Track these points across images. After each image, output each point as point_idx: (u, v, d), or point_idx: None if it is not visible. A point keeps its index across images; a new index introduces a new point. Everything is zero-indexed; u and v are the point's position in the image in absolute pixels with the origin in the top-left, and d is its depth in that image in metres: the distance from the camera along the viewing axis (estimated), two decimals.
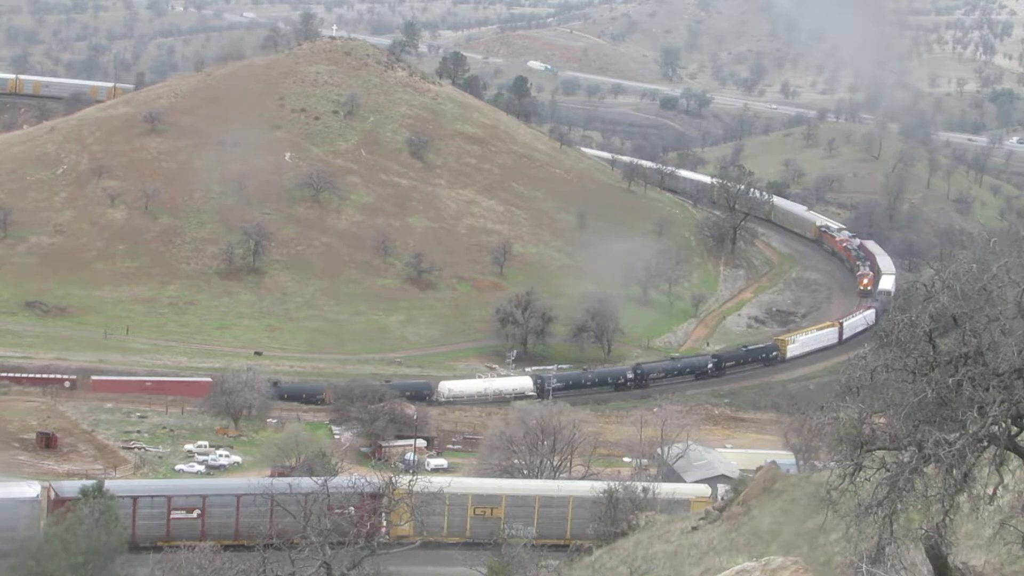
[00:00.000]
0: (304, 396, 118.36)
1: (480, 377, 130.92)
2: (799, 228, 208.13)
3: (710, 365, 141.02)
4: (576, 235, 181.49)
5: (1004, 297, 20.99)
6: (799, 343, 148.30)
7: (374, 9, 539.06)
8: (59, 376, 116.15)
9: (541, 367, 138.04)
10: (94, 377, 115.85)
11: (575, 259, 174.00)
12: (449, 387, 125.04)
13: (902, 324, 21.50)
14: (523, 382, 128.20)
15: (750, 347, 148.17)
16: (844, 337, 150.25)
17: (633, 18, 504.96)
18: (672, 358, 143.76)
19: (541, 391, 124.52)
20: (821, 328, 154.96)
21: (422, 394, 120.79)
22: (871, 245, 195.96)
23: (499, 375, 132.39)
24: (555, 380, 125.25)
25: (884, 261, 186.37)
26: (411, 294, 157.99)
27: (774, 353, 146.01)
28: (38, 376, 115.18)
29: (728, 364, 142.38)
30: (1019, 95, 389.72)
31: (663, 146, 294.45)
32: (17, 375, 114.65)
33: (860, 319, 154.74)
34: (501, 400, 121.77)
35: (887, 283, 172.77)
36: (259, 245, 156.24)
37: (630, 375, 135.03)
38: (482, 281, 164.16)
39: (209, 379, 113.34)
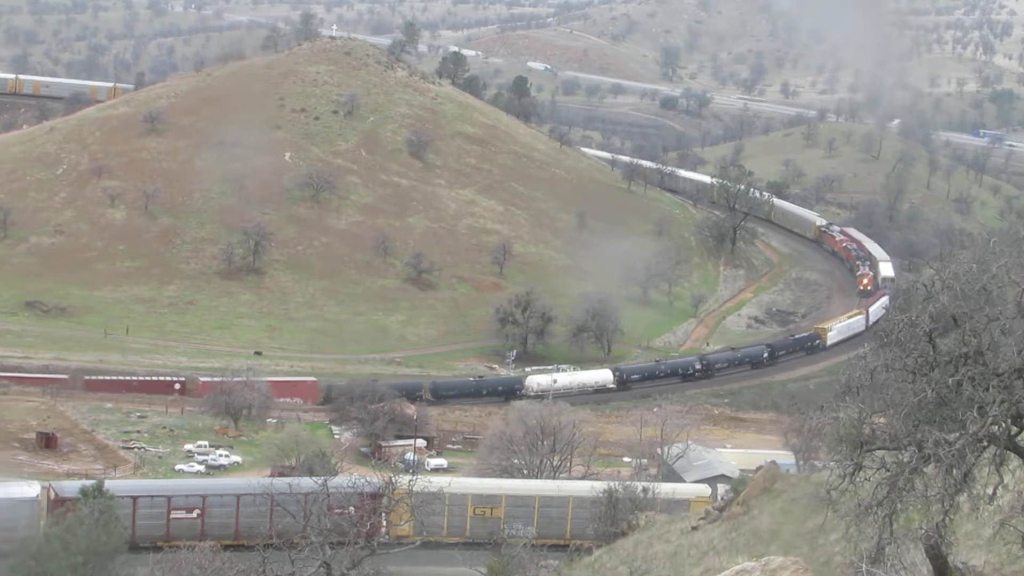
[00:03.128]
0: (404, 393, 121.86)
1: (564, 372, 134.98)
2: (798, 228, 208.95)
3: (765, 355, 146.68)
4: (576, 235, 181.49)
5: (1004, 297, 20.99)
6: (836, 330, 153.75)
7: (374, 9, 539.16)
8: (168, 379, 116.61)
9: (541, 367, 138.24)
10: (202, 379, 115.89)
11: (575, 259, 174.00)
12: (537, 381, 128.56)
13: (902, 324, 21.51)
14: (604, 375, 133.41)
15: (797, 336, 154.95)
16: (870, 323, 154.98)
17: (633, 18, 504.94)
18: (732, 349, 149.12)
19: (620, 382, 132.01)
20: (851, 316, 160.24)
21: (513, 389, 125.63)
22: (854, 232, 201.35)
23: (573, 371, 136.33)
24: (635, 373, 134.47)
25: (874, 248, 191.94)
26: (411, 294, 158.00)
27: (816, 341, 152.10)
28: (147, 379, 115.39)
29: (780, 353, 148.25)
30: (1019, 95, 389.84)
31: (663, 146, 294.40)
32: (129, 379, 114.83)
33: (879, 307, 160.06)
34: (584, 392, 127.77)
35: (886, 270, 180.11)
36: (259, 245, 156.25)
37: (698, 366, 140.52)
38: (482, 281, 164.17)
39: (314, 379, 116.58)
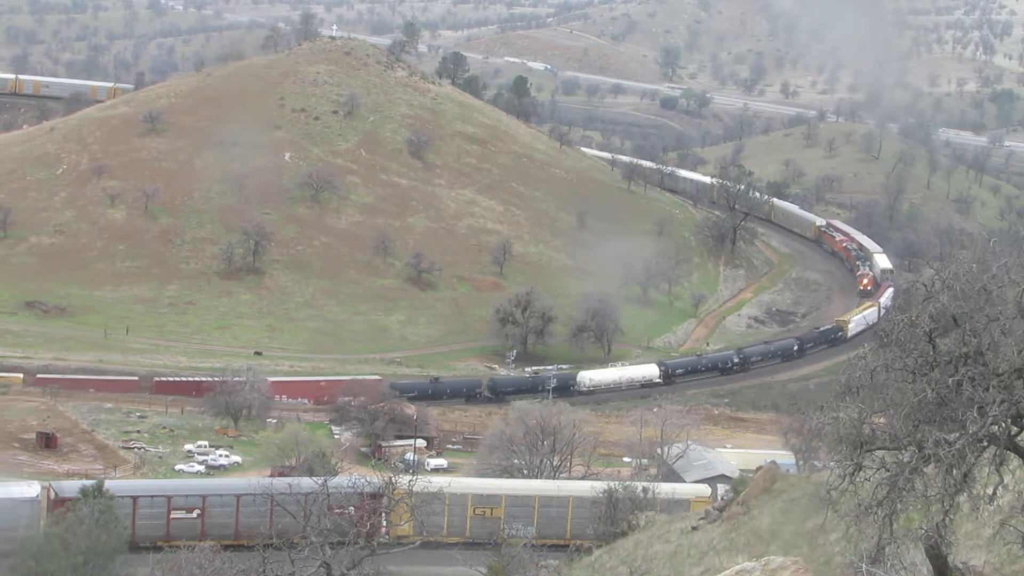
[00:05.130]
0: (465, 391, 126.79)
1: (614, 367, 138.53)
2: (798, 228, 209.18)
3: (795, 347, 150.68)
4: (576, 235, 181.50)
5: (1004, 297, 20.99)
6: (855, 322, 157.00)
7: (374, 9, 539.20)
8: (236, 379, 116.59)
9: (541, 367, 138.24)
10: (271, 379, 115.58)
11: (575, 259, 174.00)
12: (589, 376, 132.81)
13: (902, 324, 21.50)
14: (650, 369, 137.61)
15: (822, 329, 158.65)
16: (882, 314, 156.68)
17: (633, 18, 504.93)
18: (765, 342, 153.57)
19: (665, 377, 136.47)
20: (866, 308, 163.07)
21: (567, 384, 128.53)
22: (841, 225, 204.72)
23: (622, 366, 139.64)
24: (679, 368, 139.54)
25: (865, 241, 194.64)
26: (411, 294, 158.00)
27: (839, 333, 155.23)
28: (208, 380, 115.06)
29: (808, 345, 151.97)
30: (1019, 95, 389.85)
31: (663, 146, 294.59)
32: (200, 380, 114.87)
33: (888, 297, 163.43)
34: (632, 387, 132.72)
35: (883, 262, 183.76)
36: (259, 245, 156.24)
37: (736, 359, 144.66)
38: (482, 281, 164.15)
39: (379, 377, 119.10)
